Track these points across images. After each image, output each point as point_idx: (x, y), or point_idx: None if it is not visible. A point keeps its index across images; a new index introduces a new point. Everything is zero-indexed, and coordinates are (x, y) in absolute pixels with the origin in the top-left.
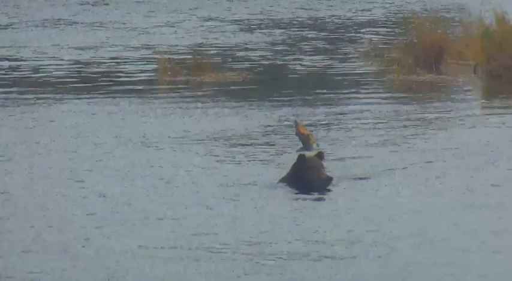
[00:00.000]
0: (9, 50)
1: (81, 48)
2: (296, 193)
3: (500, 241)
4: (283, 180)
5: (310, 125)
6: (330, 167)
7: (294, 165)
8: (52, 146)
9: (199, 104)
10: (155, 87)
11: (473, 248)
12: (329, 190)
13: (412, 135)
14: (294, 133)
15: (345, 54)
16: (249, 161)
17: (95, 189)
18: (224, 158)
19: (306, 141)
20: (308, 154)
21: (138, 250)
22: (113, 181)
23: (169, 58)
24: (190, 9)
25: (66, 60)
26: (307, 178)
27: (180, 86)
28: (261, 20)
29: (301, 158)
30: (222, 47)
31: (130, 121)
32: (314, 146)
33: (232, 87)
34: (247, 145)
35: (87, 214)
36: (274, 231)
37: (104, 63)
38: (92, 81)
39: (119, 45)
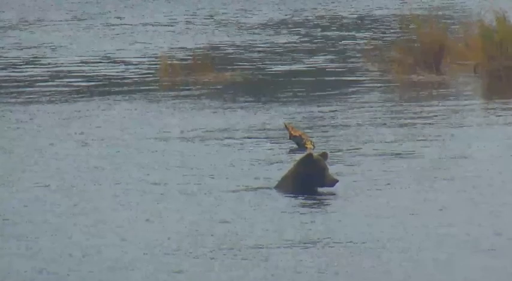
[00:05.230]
0: (7, 51)
1: (81, 48)
2: (299, 194)
3: None
4: (286, 178)
5: (311, 125)
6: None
7: (300, 163)
8: (53, 145)
9: (199, 104)
10: (156, 87)
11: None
12: (331, 192)
13: (412, 135)
14: (288, 137)
15: (345, 54)
16: (249, 160)
17: (90, 187)
18: (224, 157)
19: (299, 142)
20: (314, 153)
21: (138, 247)
22: (109, 180)
23: (170, 58)
24: (190, 10)
25: (66, 61)
26: (312, 179)
27: (180, 86)
28: (261, 20)
29: (308, 157)
30: (222, 47)
31: (130, 121)
32: (309, 145)
33: (232, 87)
34: (248, 144)
35: (86, 210)
36: (276, 232)
37: (104, 63)
38: (92, 82)
39: (119, 45)
